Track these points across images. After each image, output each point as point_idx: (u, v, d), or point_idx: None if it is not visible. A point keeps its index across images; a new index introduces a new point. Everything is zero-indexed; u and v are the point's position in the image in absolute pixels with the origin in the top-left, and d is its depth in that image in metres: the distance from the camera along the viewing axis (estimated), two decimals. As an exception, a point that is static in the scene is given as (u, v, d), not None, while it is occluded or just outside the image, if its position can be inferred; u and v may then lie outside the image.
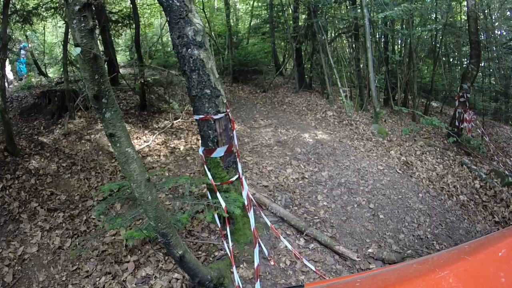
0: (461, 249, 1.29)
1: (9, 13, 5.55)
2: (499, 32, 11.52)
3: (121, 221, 2.55)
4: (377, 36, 10.41)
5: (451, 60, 13.07)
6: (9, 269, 2.88)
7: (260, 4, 12.69)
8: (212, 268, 2.61)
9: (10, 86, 8.14)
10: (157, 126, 6.20)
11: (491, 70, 11.05)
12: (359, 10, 7.86)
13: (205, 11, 9.97)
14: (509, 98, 11.03)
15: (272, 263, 3.05)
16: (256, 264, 2.68)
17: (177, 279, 2.76)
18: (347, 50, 11.42)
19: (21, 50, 9.34)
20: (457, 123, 7.03)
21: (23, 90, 7.47)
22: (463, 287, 0.95)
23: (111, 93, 1.66)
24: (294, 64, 10.25)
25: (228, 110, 2.97)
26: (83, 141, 5.19)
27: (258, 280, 2.63)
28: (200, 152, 3.04)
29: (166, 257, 2.99)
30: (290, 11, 10.60)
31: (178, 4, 2.64)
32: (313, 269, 3.01)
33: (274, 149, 5.50)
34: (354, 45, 9.68)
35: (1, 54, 4.40)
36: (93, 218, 3.61)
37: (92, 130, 5.53)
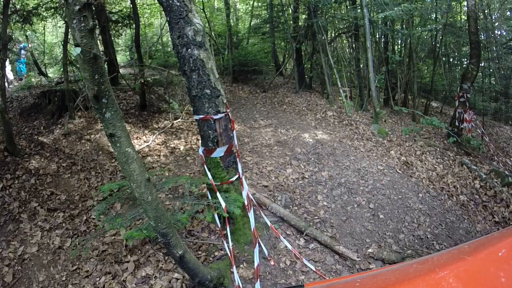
0: (461, 249, 1.29)
1: (9, 13, 5.55)
2: (499, 32, 11.53)
3: (121, 221, 2.55)
4: (377, 36, 10.41)
5: (451, 60, 13.07)
6: (9, 269, 2.89)
7: (260, 4, 12.70)
8: (212, 268, 2.61)
9: (10, 86, 8.14)
10: (157, 126, 6.20)
11: (491, 70, 11.05)
12: (359, 10, 7.87)
13: (205, 11, 9.97)
14: (509, 98, 11.03)
15: (272, 263, 3.05)
16: (256, 264, 2.68)
17: (177, 279, 2.76)
18: (347, 50, 11.43)
19: (21, 50, 9.34)
20: (457, 123, 7.03)
21: (23, 90, 7.47)
22: (463, 287, 0.95)
23: (111, 93, 1.66)
24: (294, 64, 10.25)
25: (228, 110, 2.97)
26: (83, 141, 5.19)
27: (258, 280, 2.63)
28: (200, 152, 3.04)
29: (166, 257, 2.99)
30: (290, 11, 10.60)
31: (178, 4, 2.64)
32: (313, 269, 3.01)
33: (274, 149, 5.50)
34: (354, 45, 9.69)
35: (1, 54, 4.40)
36: (93, 218, 3.61)
37: (92, 130, 5.53)
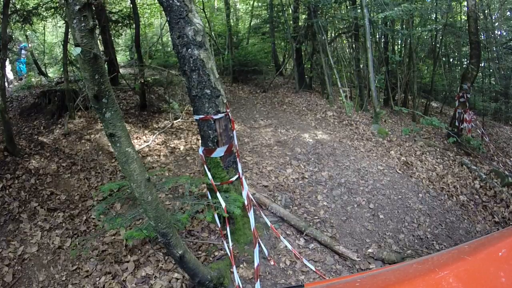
0: (461, 249, 1.29)
1: (9, 12, 5.55)
2: (499, 32, 11.54)
3: (121, 221, 2.55)
4: (377, 36, 10.41)
5: (451, 60, 13.07)
6: (9, 269, 2.88)
7: (260, 4, 12.70)
8: (212, 268, 2.61)
9: (10, 86, 8.13)
10: (157, 126, 6.20)
11: (491, 70, 11.06)
12: (359, 10, 7.86)
13: (205, 11, 9.97)
14: (509, 98, 11.03)
15: (272, 263, 3.05)
16: (256, 264, 2.68)
17: (177, 279, 2.76)
18: (347, 50, 11.43)
19: (22, 50, 9.33)
20: (457, 123, 7.03)
21: (23, 90, 7.47)
22: (463, 287, 0.95)
23: (111, 93, 1.66)
24: (294, 64, 10.25)
25: (228, 110, 2.97)
26: (83, 141, 5.19)
27: (258, 280, 2.63)
28: (200, 152, 3.04)
29: (166, 257, 2.99)
30: (290, 11, 10.60)
31: (178, 4, 2.64)
32: (313, 269, 3.01)
33: (274, 149, 5.50)
34: (354, 45, 9.68)
35: (2, 54, 4.40)
36: (93, 218, 3.61)
37: (92, 130, 5.53)
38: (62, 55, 6.46)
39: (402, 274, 1.15)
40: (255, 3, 12.72)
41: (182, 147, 5.40)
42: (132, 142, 1.93)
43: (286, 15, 10.44)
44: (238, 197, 2.94)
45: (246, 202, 2.95)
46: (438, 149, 6.51)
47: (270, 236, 3.36)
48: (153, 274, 2.83)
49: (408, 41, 9.57)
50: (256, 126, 6.70)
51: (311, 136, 6.14)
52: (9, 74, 8.51)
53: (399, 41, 11.45)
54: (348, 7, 9.55)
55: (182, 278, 2.76)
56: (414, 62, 9.43)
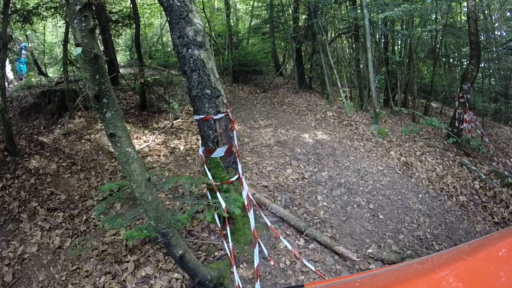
0: (461, 249, 1.29)
1: (9, 12, 5.55)
2: (499, 33, 11.55)
3: (121, 221, 2.55)
4: (377, 36, 10.42)
5: (451, 60, 13.08)
6: (9, 269, 2.88)
7: (260, 4, 12.70)
8: (212, 268, 2.61)
9: (10, 85, 8.13)
10: (157, 126, 6.21)
11: (491, 70, 11.06)
12: (359, 11, 7.87)
13: (205, 11, 9.97)
14: (509, 98, 11.04)
15: (272, 263, 3.05)
16: (256, 264, 2.68)
17: (177, 279, 2.77)
18: (347, 50, 11.43)
19: (22, 50, 9.33)
20: (457, 124, 7.03)
21: (23, 90, 7.47)
22: (464, 287, 0.95)
23: (112, 93, 1.66)
24: (294, 64, 10.26)
25: (228, 110, 2.98)
26: (83, 141, 5.19)
27: (258, 280, 2.63)
28: (200, 152, 3.04)
29: (166, 257, 2.99)
30: (290, 11, 10.61)
31: (178, 4, 2.64)
32: (313, 269, 3.01)
33: (274, 149, 5.50)
34: (354, 46, 9.69)
35: (2, 54, 4.40)
36: (93, 218, 3.61)
37: (92, 130, 5.53)
38: (62, 55, 6.46)
39: (402, 274, 1.15)
40: (255, 3, 12.72)
41: (182, 147, 5.40)
42: (132, 142, 1.93)
43: (286, 15, 10.45)
44: (238, 197, 2.94)
45: (246, 202, 2.95)
46: (438, 150, 6.51)
47: (270, 236, 3.36)
48: (153, 274, 2.83)
49: (408, 41, 9.58)
50: (256, 126, 6.70)
51: (311, 136, 6.15)
52: (9, 74, 8.51)
53: (399, 42, 11.46)
54: (348, 8, 9.56)
55: (182, 278, 2.76)
56: (414, 63, 9.44)
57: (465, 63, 11.20)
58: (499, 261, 1.07)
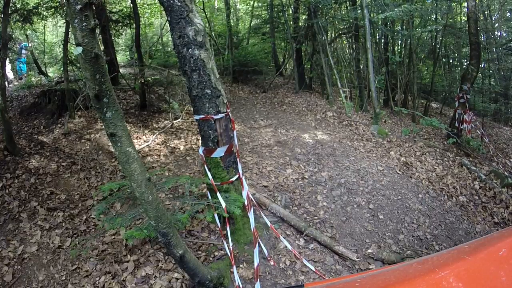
0: (461, 249, 1.29)
1: (9, 12, 5.55)
2: (499, 33, 11.55)
3: (121, 221, 2.55)
4: (377, 36, 10.42)
5: (451, 61, 13.08)
6: (9, 268, 2.88)
7: (260, 4, 12.70)
8: (212, 268, 2.61)
9: (10, 85, 8.13)
10: (157, 126, 6.21)
11: (491, 71, 11.06)
12: (359, 11, 7.87)
13: (206, 11, 9.97)
14: (508, 99, 11.04)
15: (272, 263, 3.05)
16: (256, 264, 2.68)
17: (177, 279, 2.77)
18: (347, 50, 11.43)
19: (22, 50, 9.34)
20: (456, 124, 7.03)
21: (23, 90, 7.47)
22: (464, 287, 0.95)
23: (112, 93, 1.66)
24: (294, 64, 10.26)
25: (228, 110, 2.98)
26: (83, 140, 5.19)
27: (258, 280, 2.63)
28: (201, 152, 3.04)
29: (166, 257, 2.99)
30: (291, 12, 10.61)
31: (179, 4, 2.64)
32: (313, 269, 3.01)
33: (274, 149, 5.50)
34: (354, 46, 9.69)
35: (2, 53, 4.40)
36: (93, 218, 3.61)
37: (92, 129, 5.53)
38: (62, 54, 6.46)
39: (402, 274, 1.15)
40: (255, 3, 12.72)
41: (182, 147, 5.40)
42: (132, 142, 1.93)
43: (286, 15, 10.45)
44: (238, 197, 2.94)
45: (246, 202, 2.95)
46: (437, 150, 6.52)
47: (270, 236, 3.36)
48: (153, 274, 2.83)
49: (408, 41, 9.58)
50: (256, 126, 6.70)
51: (311, 137, 6.15)
52: (9, 74, 8.51)
53: (399, 42, 11.46)
54: (348, 8, 9.56)
55: (182, 278, 2.76)
56: (414, 63, 9.44)
57: (465, 63, 11.20)
58: (499, 261, 1.08)
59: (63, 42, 6.11)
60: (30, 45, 10.08)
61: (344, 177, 4.71)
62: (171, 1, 2.64)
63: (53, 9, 7.20)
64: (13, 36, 9.09)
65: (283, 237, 3.30)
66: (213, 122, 2.88)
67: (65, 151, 4.83)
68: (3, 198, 3.65)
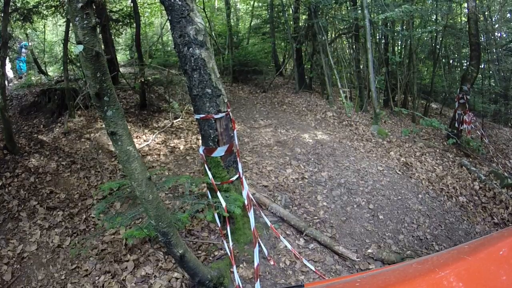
0: (461, 249, 1.29)
1: (9, 11, 5.55)
2: (499, 34, 11.56)
3: (121, 220, 2.55)
4: (377, 37, 10.42)
5: (451, 61, 13.08)
6: (8, 268, 2.88)
7: (260, 4, 12.70)
8: (212, 268, 2.61)
9: (10, 84, 8.14)
10: (157, 125, 6.20)
11: (491, 72, 11.08)
12: (359, 11, 7.87)
13: (206, 10, 9.97)
14: (508, 100, 11.05)
15: (272, 263, 3.05)
16: (256, 264, 2.68)
17: (177, 279, 2.76)
18: (347, 51, 11.43)
19: (22, 49, 9.33)
20: (456, 125, 7.04)
21: (23, 89, 7.46)
22: (464, 287, 0.95)
23: (113, 91, 1.66)
24: (294, 64, 10.26)
25: (228, 110, 2.98)
26: (83, 139, 5.19)
27: (258, 280, 2.63)
28: (201, 152, 3.04)
29: (166, 256, 2.99)
30: (291, 12, 10.61)
31: (180, 3, 2.64)
32: (313, 269, 3.01)
33: (274, 149, 5.50)
34: (354, 46, 9.69)
35: (2, 52, 4.40)
36: (93, 217, 3.61)
37: (92, 128, 5.52)
38: (62, 53, 6.45)
39: (402, 274, 1.15)
40: (256, 3, 12.72)
41: (182, 147, 5.40)
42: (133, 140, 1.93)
43: (286, 15, 10.45)
44: (238, 196, 2.94)
45: (246, 202, 2.95)
46: (437, 150, 6.52)
47: (270, 236, 3.36)
48: (153, 273, 2.83)
49: (408, 42, 9.58)
50: (256, 126, 6.70)
51: (311, 137, 6.15)
52: (9, 73, 8.51)
53: (399, 42, 11.46)
54: (349, 8, 9.56)
55: (182, 278, 2.76)
56: (414, 63, 9.44)
57: (465, 64, 11.21)
58: (499, 261, 1.08)
59: (63, 41, 6.10)
60: (30, 44, 10.07)
61: (344, 177, 4.71)
62: (172, 0, 2.64)
63: (53, 8, 7.20)
64: (13, 35, 9.08)
65: (283, 237, 3.30)
66: (213, 121, 2.88)
67: (65, 150, 4.83)
68: (2, 197, 3.65)
